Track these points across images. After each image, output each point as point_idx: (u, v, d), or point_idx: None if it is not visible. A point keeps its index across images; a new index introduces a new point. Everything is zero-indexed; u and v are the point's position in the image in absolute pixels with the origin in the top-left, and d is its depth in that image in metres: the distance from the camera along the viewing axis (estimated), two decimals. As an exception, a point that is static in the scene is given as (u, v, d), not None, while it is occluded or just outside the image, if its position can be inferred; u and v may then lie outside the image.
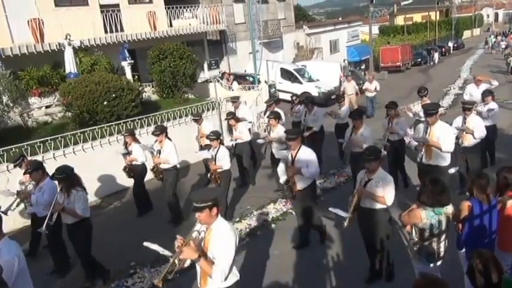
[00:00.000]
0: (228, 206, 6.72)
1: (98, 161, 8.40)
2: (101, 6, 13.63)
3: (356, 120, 6.43)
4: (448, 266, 3.78)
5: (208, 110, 11.22)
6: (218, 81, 13.76)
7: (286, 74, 17.73)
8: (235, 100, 9.33)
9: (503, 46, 31.60)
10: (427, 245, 3.56)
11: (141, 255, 5.55)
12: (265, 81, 14.66)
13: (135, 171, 6.96)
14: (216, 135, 6.25)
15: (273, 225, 6.42)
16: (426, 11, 46.87)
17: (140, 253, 5.61)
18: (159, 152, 6.47)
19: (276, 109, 8.85)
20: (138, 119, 9.50)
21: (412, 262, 3.79)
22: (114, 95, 9.79)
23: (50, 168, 7.13)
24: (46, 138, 8.01)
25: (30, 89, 10.95)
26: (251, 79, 15.43)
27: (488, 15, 69.41)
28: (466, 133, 6.30)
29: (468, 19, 55.71)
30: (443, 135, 5.34)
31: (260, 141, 8.04)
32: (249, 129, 8.94)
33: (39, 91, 11.21)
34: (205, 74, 17.05)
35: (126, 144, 7.08)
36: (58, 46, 11.42)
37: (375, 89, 13.38)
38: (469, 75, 21.57)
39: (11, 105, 8.88)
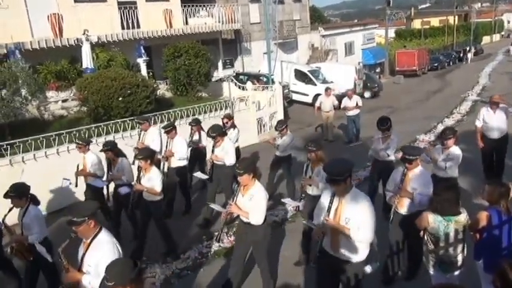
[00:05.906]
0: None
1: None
2: (119, 2, 13.79)
3: (240, 176, 3.98)
4: (466, 277, 3.72)
5: (221, 109, 11.24)
6: (232, 80, 13.78)
7: (300, 75, 17.64)
8: (141, 122, 7.04)
9: None
10: (441, 253, 3.54)
11: (152, 251, 5.57)
12: (279, 82, 14.61)
13: None
14: (18, 193, 4.08)
15: None
16: (444, 15, 46.17)
17: (152, 249, 5.66)
18: None
19: (197, 137, 6.92)
20: (152, 115, 9.57)
21: (428, 270, 3.76)
22: (129, 91, 9.89)
23: (65, 160, 7.40)
24: (61, 131, 8.15)
25: (47, 82, 11.15)
26: (265, 79, 15.40)
27: (509, 21, 67.94)
28: (401, 196, 4.22)
29: (488, 24, 54.62)
30: (356, 215, 3.26)
31: (123, 190, 5.68)
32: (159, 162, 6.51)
33: (57, 85, 11.41)
34: (219, 73, 17.10)
35: None
36: (76, 41, 11.59)
37: (356, 105, 10.82)
38: (487, 81, 21.16)
39: (29, 98, 9.03)
